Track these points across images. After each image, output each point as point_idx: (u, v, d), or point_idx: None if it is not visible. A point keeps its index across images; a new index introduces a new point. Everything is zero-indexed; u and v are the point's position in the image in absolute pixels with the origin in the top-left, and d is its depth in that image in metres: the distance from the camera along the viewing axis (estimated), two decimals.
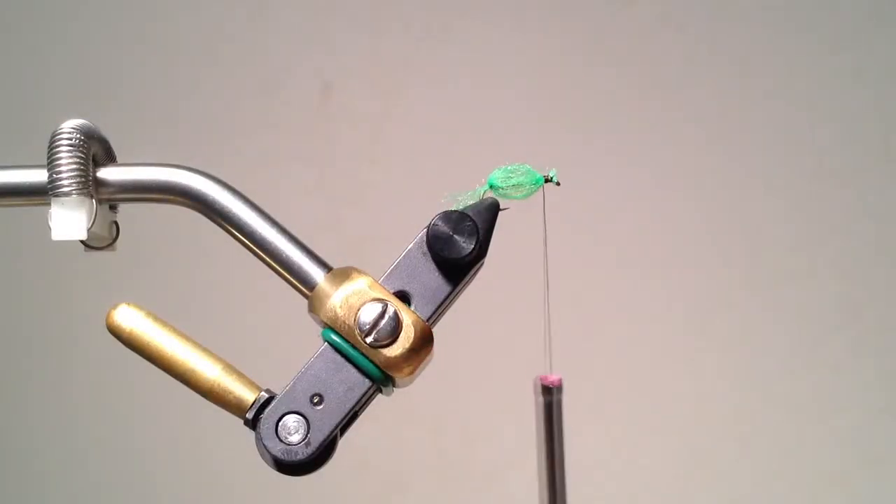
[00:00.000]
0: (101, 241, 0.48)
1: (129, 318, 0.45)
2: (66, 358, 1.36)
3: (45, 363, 1.36)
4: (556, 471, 0.45)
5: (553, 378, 0.45)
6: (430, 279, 0.45)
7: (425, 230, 0.45)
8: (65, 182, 0.45)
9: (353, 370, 0.44)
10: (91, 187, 0.46)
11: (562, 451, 0.45)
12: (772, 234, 1.24)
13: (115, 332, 0.45)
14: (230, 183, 0.47)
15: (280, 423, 0.44)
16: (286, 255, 0.46)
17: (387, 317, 0.44)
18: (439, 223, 0.44)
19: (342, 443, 0.45)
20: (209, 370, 0.45)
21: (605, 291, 1.27)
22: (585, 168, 1.25)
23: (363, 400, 0.44)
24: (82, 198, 0.45)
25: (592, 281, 1.26)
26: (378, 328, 0.44)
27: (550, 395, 0.45)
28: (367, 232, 1.31)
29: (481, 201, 0.45)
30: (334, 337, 0.44)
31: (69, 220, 0.45)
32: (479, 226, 0.44)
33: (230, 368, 0.45)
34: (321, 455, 0.44)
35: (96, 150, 0.47)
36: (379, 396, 0.45)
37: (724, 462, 1.31)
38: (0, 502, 1.40)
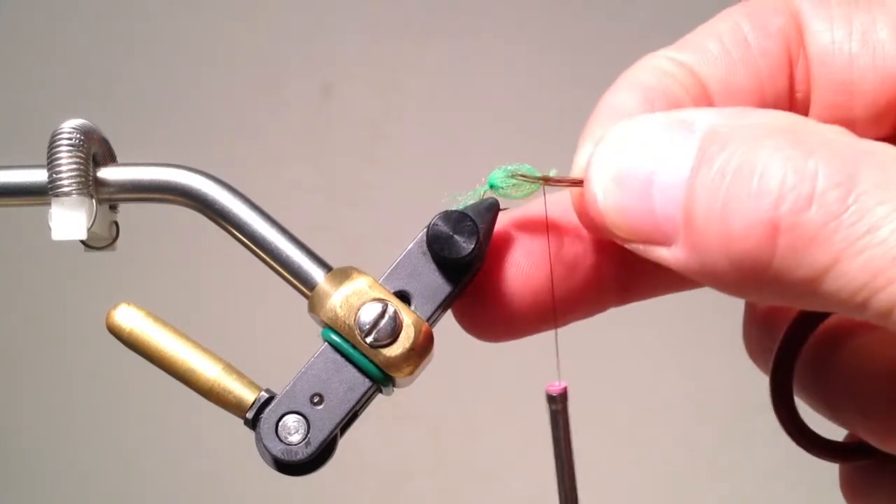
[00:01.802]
0: (101, 241, 0.48)
1: (129, 318, 0.45)
2: (65, 358, 1.36)
3: (44, 363, 1.36)
4: (566, 479, 0.45)
5: (556, 387, 0.45)
6: (431, 279, 0.45)
7: (425, 230, 0.45)
8: (65, 182, 0.45)
9: (354, 370, 0.44)
10: (91, 187, 0.46)
11: (571, 460, 0.45)
12: None
13: (115, 332, 0.45)
14: (230, 183, 0.47)
15: (280, 423, 0.44)
16: (286, 255, 0.46)
17: (387, 317, 0.44)
18: (439, 223, 0.44)
19: (342, 443, 0.45)
20: (209, 370, 0.45)
21: None
22: None
23: (363, 400, 0.44)
24: (82, 198, 0.45)
25: None
26: (378, 328, 0.44)
27: (555, 404, 0.45)
28: (367, 232, 1.31)
29: (481, 201, 0.45)
30: (334, 337, 0.44)
31: (69, 220, 0.45)
32: (479, 226, 0.44)
33: (230, 368, 0.45)
34: (321, 455, 0.44)
35: (96, 150, 0.47)
36: (379, 396, 0.45)
37: (725, 462, 1.31)
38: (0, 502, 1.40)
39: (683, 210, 0.38)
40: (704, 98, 0.44)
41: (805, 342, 0.44)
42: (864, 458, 0.45)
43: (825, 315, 0.44)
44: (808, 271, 0.35)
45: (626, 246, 0.40)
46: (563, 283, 0.45)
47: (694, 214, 0.37)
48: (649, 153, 0.39)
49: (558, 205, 0.45)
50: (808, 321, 0.44)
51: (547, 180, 0.42)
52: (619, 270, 0.47)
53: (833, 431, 0.46)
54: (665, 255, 0.39)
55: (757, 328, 0.48)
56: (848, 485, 0.46)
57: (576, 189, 0.41)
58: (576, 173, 0.42)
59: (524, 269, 0.45)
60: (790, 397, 0.45)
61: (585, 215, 0.41)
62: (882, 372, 0.42)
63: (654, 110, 0.42)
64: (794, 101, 0.45)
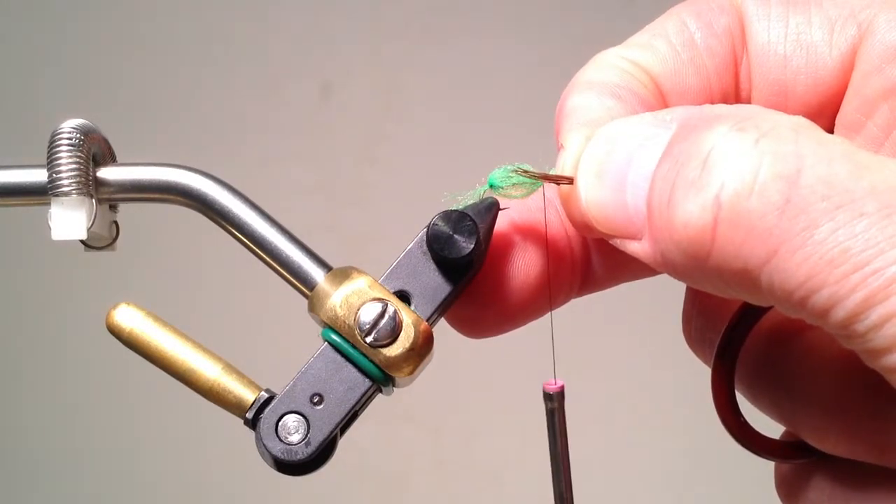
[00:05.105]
0: (101, 240, 0.48)
1: (129, 317, 0.45)
2: (65, 358, 1.36)
3: (44, 363, 1.36)
4: (561, 477, 0.45)
5: (554, 385, 0.45)
6: (431, 279, 0.45)
7: (425, 230, 0.45)
8: (64, 182, 0.45)
9: (353, 370, 0.44)
10: (91, 187, 0.46)
11: (566, 457, 0.45)
12: None
13: (115, 332, 0.45)
14: (230, 183, 0.47)
15: (280, 423, 0.44)
16: (286, 255, 0.46)
17: (386, 316, 0.44)
18: (439, 223, 0.44)
19: (342, 443, 0.45)
20: (209, 370, 0.45)
21: (605, 290, 1.27)
22: None
23: (363, 400, 0.44)
24: (82, 198, 0.45)
25: None
26: (378, 328, 0.44)
27: (552, 402, 0.45)
28: (367, 232, 1.31)
29: (481, 201, 0.45)
30: (334, 336, 0.44)
31: (69, 220, 0.45)
32: (479, 225, 0.44)
33: (230, 368, 0.45)
34: (321, 455, 0.44)
35: (96, 149, 0.47)
36: (379, 396, 0.45)
37: (724, 462, 1.31)
38: None
39: (646, 202, 0.38)
40: (659, 96, 0.44)
41: (747, 335, 0.43)
42: (801, 458, 0.43)
43: (767, 307, 0.42)
44: (745, 263, 0.34)
45: (611, 242, 0.40)
46: (553, 279, 0.46)
47: (652, 205, 0.37)
48: (628, 150, 0.38)
49: (546, 204, 0.45)
50: (750, 313, 0.43)
51: (544, 177, 0.42)
52: (597, 259, 0.47)
53: (771, 429, 0.45)
54: (636, 248, 0.38)
55: (697, 316, 0.47)
56: (784, 484, 0.45)
57: (565, 187, 0.41)
58: (559, 173, 0.42)
59: (523, 267, 0.45)
60: (731, 390, 0.44)
61: (572, 213, 0.41)
62: (824, 370, 0.41)
63: (627, 108, 0.42)
64: (739, 100, 0.45)
